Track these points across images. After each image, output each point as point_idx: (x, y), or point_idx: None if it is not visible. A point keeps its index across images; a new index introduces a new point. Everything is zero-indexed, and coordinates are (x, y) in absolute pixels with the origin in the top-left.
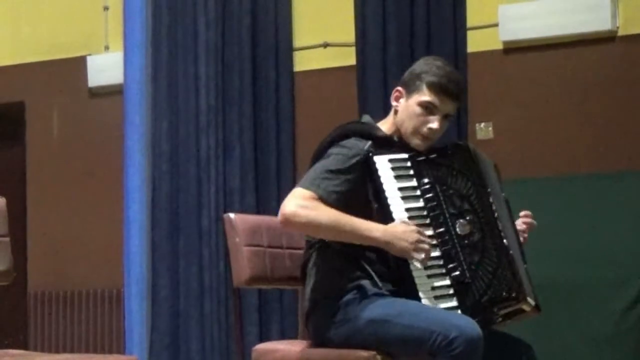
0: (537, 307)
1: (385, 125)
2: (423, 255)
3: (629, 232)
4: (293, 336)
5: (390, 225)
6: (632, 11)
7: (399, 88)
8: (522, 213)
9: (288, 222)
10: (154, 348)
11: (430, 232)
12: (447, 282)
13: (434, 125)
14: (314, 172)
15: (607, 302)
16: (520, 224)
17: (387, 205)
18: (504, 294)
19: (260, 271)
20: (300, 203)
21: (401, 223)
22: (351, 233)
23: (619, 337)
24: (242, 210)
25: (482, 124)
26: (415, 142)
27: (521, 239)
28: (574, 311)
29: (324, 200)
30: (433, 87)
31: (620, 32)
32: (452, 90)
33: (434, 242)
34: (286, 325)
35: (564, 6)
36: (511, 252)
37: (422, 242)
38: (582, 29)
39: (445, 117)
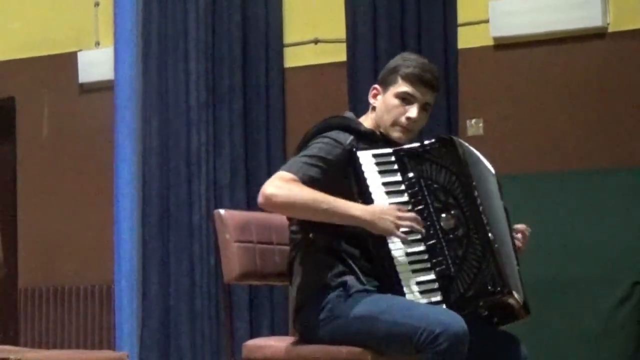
0: (525, 307)
1: (365, 122)
2: (405, 229)
3: (619, 229)
4: (283, 332)
5: (371, 205)
6: (622, 8)
7: (376, 85)
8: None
9: (267, 202)
10: (144, 344)
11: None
12: (432, 276)
13: (412, 114)
14: (294, 158)
15: (598, 299)
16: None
17: (372, 201)
18: (489, 287)
19: (250, 267)
20: (279, 184)
21: (381, 202)
22: (330, 211)
23: (609, 333)
24: (232, 206)
25: (473, 120)
26: (396, 134)
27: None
28: (565, 308)
29: (304, 182)
30: (408, 78)
31: (611, 29)
32: (427, 79)
33: (418, 230)
34: (276, 321)
35: (554, 3)
36: (496, 245)
37: (403, 218)
38: (572, 25)
39: (423, 108)
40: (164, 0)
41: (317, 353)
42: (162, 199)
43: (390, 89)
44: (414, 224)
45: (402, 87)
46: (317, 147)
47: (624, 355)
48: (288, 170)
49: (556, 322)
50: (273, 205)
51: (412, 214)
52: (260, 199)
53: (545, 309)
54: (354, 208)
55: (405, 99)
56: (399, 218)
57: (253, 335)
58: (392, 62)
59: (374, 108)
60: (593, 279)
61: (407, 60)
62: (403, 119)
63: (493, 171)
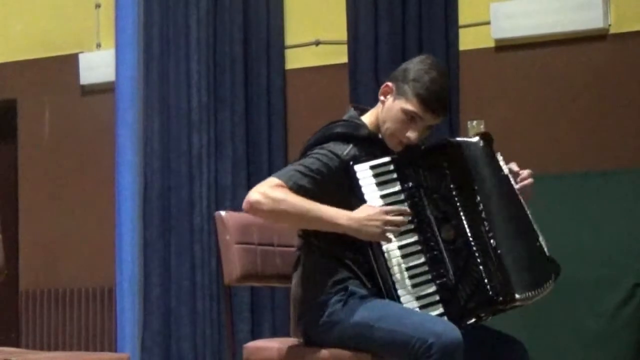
0: (556, 270)
1: (369, 119)
2: (392, 236)
3: (620, 231)
4: (285, 334)
5: (356, 211)
6: (623, 9)
7: (389, 83)
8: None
9: (251, 209)
10: (145, 345)
11: (415, 238)
12: (433, 288)
13: (413, 135)
14: (289, 166)
15: (599, 301)
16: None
17: None
18: (492, 297)
19: (251, 269)
20: (265, 191)
21: (366, 206)
22: (316, 221)
23: (611, 335)
24: (233, 208)
25: (474, 122)
26: (392, 144)
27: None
28: (566, 309)
29: (293, 191)
30: (421, 100)
31: (612, 30)
32: (439, 108)
33: (415, 238)
34: (278, 323)
35: (556, 4)
36: (499, 251)
37: (389, 221)
38: (574, 27)
39: (425, 127)
40: (165, 2)
41: (319, 356)
42: (164, 200)
43: (402, 99)
44: (401, 219)
45: (412, 106)
46: (313, 159)
47: (625, 357)
48: (278, 177)
49: (557, 324)
50: (257, 213)
51: (399, 215)
52: (244, 205)
53: (546, 311)
54: (340, 216)
55: (411, 117)
56: (386, 222)
57: (254, 337)
58: (412, 69)
59: (382, 103)
60: (594, 280)
61: (427, 75)
62: (403, 137)
63: (501, 158)
